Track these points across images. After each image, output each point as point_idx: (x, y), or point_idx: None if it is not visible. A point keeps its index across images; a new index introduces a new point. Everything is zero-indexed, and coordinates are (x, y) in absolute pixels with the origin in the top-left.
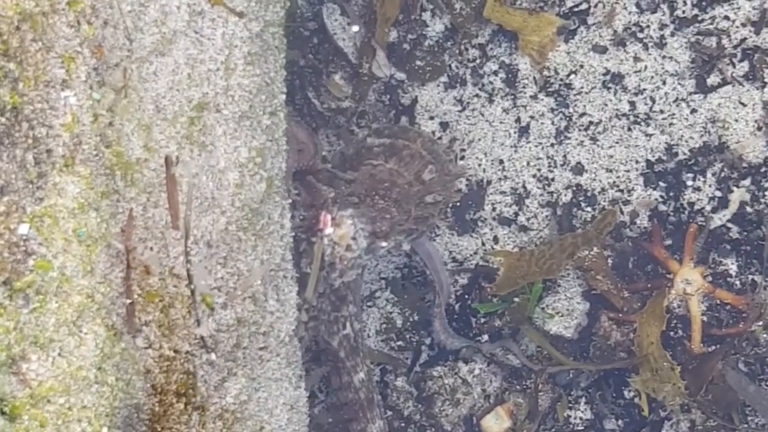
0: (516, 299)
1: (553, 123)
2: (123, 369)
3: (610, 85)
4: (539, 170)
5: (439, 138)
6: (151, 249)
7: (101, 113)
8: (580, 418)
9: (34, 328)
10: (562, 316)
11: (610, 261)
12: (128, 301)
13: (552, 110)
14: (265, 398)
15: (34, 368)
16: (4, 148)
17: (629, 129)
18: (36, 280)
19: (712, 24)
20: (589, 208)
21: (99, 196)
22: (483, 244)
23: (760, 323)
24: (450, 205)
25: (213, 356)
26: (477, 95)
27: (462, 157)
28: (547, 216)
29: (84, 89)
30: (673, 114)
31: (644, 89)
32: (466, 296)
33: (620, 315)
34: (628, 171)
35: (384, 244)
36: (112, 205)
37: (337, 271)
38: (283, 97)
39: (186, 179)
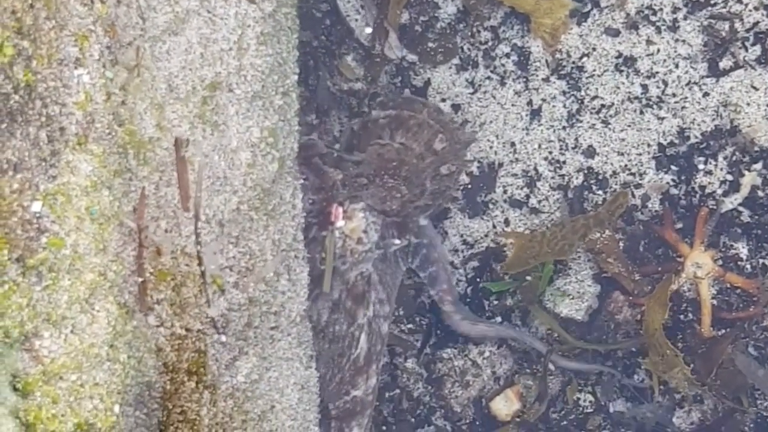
0: (528, 277)
1: (564, 106)
2: (135, 347)
3: (622, 68)
4: (551, 153)
5: (451, 120)
6: (164, 228)
7: (114, 92)
8: (590, 401)
9: (47, 305)
10: (572, 298)
11: (621, 244)
12: (140, 279)
13: (564, 93)
14: (276, 377)
15: (47, 345)
16: (18, 125)
17: (641, 112)
18: (49, 257)
19: (725, 8)
20: (600, 192)
21: (112, 174)
22: (494, 226)
23: None
24: (463, 174)
25: (223, 338)
26: (489, 77)
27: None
28: (558, 199)
29: (97, 68)
30: (686, 97)
31: (656, 72)
32: (478, 279)
33: (631, 297)
34: (639, 154)
35: (397, 242)
36: (125, 183)
37: (348, 264)
38: (296, 77)
39: (198, 159)
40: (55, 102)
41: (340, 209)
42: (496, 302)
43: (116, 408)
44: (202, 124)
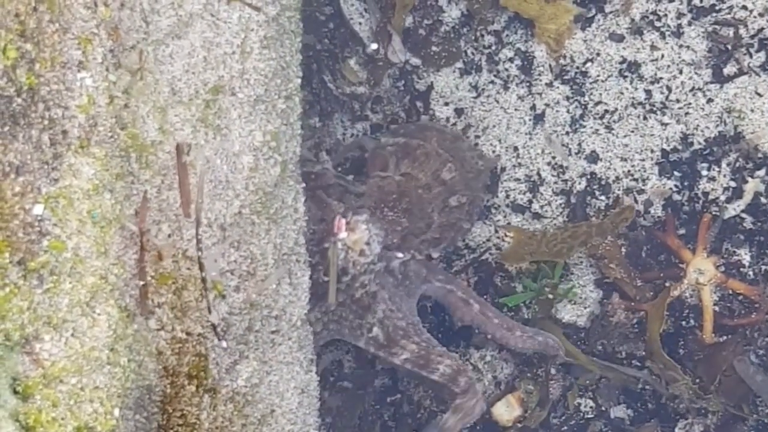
0: (546, 288)
1: (568, 111)
2: (135, 350)
3: (626, 73)
4: (554, 158)
5: (454, 124)
6: (165, 231)
7: (117, 95)
8: (590, 407)
9: (48, 308)
10: (574, 304)
11: (623, 250)
12: (141, 282)
13: (567, 98)
14: (277, 381)
15: (47, 348)
16: (20, 128)
17: (645, 118)
18: (50, 260)
19: (729, 14)
20: (603, 197)
21: (114, 177)
22: (496, 231)
23: None
24: (481, 205)
25: (224, 344)
26: (492, 82)
27: (476, 144)
28: (561, 204)
29: (100, 71)
30: (689, 103)
31: (660, 78)
32: (485, 294)
33: (632, 303)
34: (642, 160)
35: (400, 255)
36: (127, 186)
37: (350, 276)
38: (299, 81)
39: (200, 163)
40: (58, 105)
41: (343, 221)
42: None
43: (116, 411)
44: (205, 127)
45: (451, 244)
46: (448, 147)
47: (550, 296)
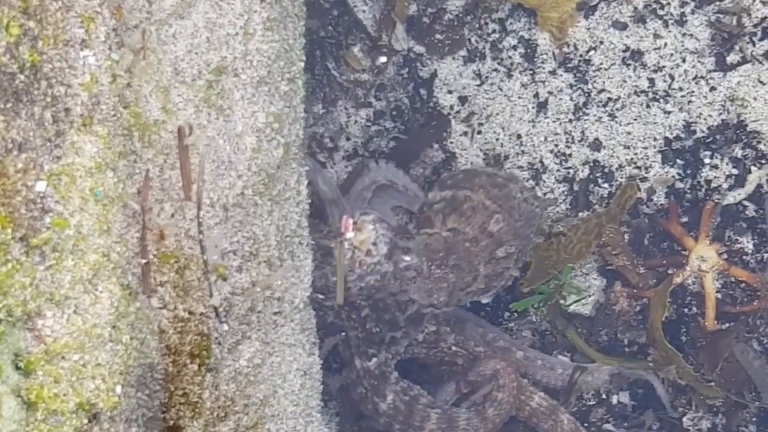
0: (555, 289)
1: (571, 99)
2: (137, 328)
3: (629, 61)
4: (557, 146)
5: (458, 112)
6: (168, 211)
7: (120, 74)
8: (592, 393)
9: (50, 284)
10: (578, 292)
11: (626, 237)
12: (144, 261)
13: (571, 86)
14: (279, 363)
15: (50, 325)
16: (23, 105)
17: (648, 106)
18: (52, 237)
19: (732, 2)
20: (606, 185)
21: (116, 156)
22: None
23: None
24: (528, 252)
25: (225, 326)
26: (496, 70)
27: (479, 132)
28: (563, 191)
29: (103, 49)
30: (692, 92)
31: (663, 66)
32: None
33: (635, 290)
34: (645, 148)
35: (407, 258)
36: (129, 165)
37: (355, 276)
38: (302, 64)
39: (202, 144)
40: (61, 83)
41: (350, 220)
42: (520, 320)
43: (118, 389)
44: (208, 108)
45: (499, 290)
46: (497, 195)
47: (560, 298)
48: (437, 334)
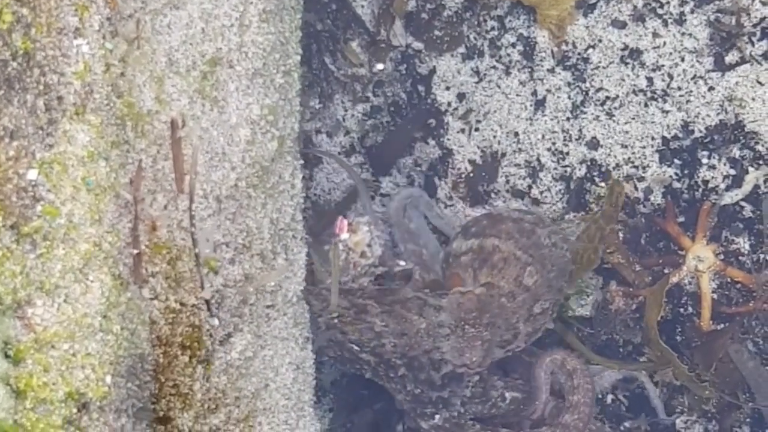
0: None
1: (569, 97)
2: (128, 318)
3: (628, 60)
4: (554, 144)
5: (456, 109)
6: (160, 201)
7: (113, 63)
8: None
9: (41, 273)
10: (577, 294)
11: (622, 236)
12: (135, 251)
13: (569, 84)
14: (271, 356)
15: (39, 313)
16: (15, 93)
17: (646, 105)
18: (43, 225)
19: (731, 1)
20: (603, 183)
21: (109, 145)
22: None
23: None
24: (560, 302)
25: (215, 321)
26: (494, 67)
27: (477, 129)
28: (560, 190)
29: (97, 38)
30: (691, 91)
31: (662, 65)
32: None
33: (630, 289)
34: (643, 147)
35: (402, 263)
36: (122, 155)
37: (349, 277)
38: (298, 57)
39: (195, 135)
40: (54, 71)
41: (345, 222)
42: None
43: (108, 378)
44: (202, 99)
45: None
46: (526, 245)
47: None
48: (484, 383)
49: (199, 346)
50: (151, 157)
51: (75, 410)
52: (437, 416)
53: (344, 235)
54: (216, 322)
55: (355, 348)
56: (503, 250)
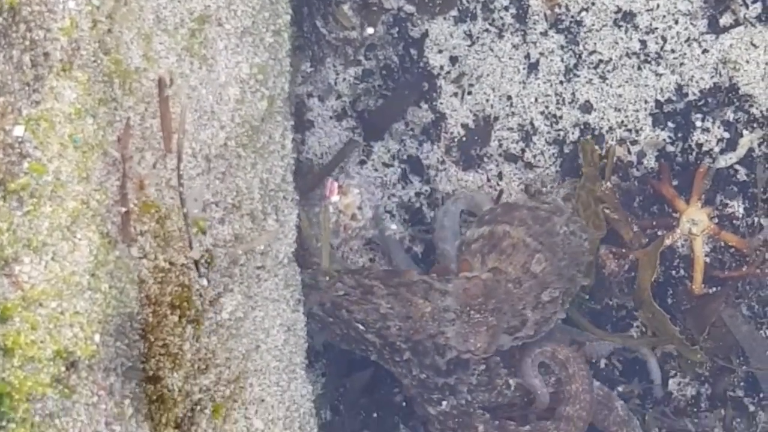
0: None
1: (562, 60)
2: (117, 277)
3: (621, 23)
4: (547, 107)
5: (448, 72)
6: (149, 160)
7: (100, 19)
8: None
9: (28, 230)
10: None
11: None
12: (123, 209)
13: (562, 47)
14: (262, 317)
15: (27, 271)
16: (1, 48)
17: (639, 68)
18: (30, 182)
19: None
20: (596, 147)
21: (96, 102)
22: (488, 179)
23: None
24: (574, 293)
25: (204, 281)
26: (487, 30)
27: (469, 93)
28: (553, 153)
29: None
30: (684, 54)
31: (656, 28)
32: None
33: (622, 250)
34: (636, 110)
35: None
36: (110, 112)
37: (340, 239)
38: (288, 18)
39: (184, 93)
40: (40, 27)
41: (336, 184)
42: None
43: (96, 337)
44: (190, 57)
45: (545, 333)
46: (538, 232)
47: None
48: (489, 371)
49: (189, 305)
50: (139, 115)
51: (63, 368)
52: (444, 402)
53: (335, 198)
54: (205, 282)
55: (361, 327)
56: (513, 236)
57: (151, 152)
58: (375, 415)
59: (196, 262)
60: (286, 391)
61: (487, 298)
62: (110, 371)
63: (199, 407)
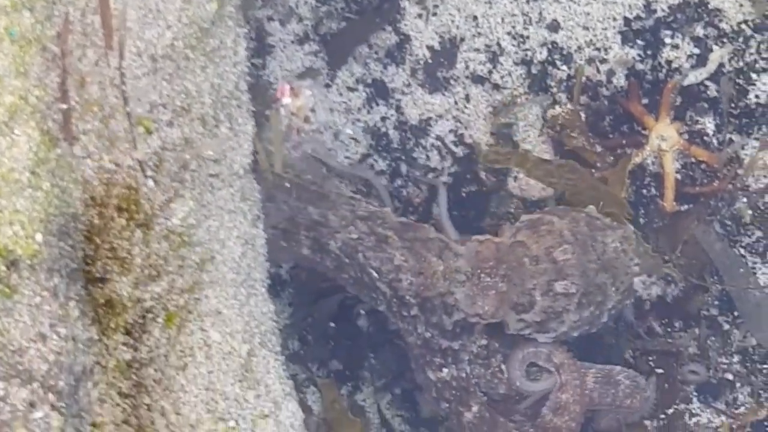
0: None
1: None
2: (58, 176)
3: None
4: (514, 27)
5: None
6: (90, 57)
7: None
8: None
9: None
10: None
11: (585, 119)
12: (64, 106)
13: None
14: (217, 227)
15: None
16: None
17: None
18: None
19: None
20: (564, 67)
21: None
22: (455, 102)
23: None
24: (604, 306)
25: (150, 182)
26: None
27: (434, 14)
28: (521, 74)
29: None
30: None
31: None
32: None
33: (592, 171)
34: (605, 29)
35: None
36: (48, 6)
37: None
38: None
39: None
40: None
41: (287, 86)
42: None
43: (38, 236)
44: None
45: (560, 337)
46: (581, 230)
47: None
48: (488, 349)
49: (137, 209)
50: (79, 10)
51: (4, 267)
52: (445, 370)
53: (286, 100)
54: (152, 183)
55: (375, 275)
56: (555, 225)
57: (93, 49)
58: (343, 344)
59: (141, 163)
60: (245, 305)
61: (498, 262)
62: (53, 272)
63: (151, 315)
